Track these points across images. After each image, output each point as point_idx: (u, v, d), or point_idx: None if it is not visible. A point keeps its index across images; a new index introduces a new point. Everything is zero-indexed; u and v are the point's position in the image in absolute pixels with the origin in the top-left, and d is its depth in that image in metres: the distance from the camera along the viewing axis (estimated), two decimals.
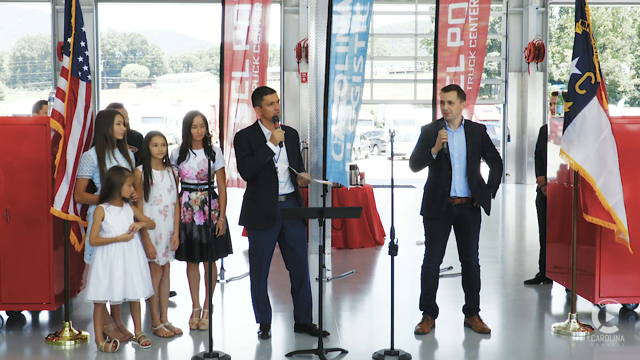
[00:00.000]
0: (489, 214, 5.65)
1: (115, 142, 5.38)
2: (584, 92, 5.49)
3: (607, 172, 5.45)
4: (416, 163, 5.60)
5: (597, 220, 5.55)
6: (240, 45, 7.54)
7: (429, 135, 5.54)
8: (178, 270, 6.21)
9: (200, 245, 5.55)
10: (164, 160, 5.50)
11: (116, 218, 5.13)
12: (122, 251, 5.14)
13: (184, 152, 5.56)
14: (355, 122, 6.85)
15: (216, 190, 5.74)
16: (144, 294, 5.26)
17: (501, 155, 18.92)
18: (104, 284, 5.10)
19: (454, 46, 7.81)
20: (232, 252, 5.81)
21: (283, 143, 5.36)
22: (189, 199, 5.56)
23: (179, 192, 5.61)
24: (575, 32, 5.57)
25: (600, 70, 5.51)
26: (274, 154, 5.33)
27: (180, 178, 5.60)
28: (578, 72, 5.52)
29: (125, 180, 5.14)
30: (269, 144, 5.31)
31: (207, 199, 5.44)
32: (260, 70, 7.67)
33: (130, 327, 5.53)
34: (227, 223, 5.71)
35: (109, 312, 5.48)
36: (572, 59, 5.58)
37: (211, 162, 5.36)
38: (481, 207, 5.63)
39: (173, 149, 5.66)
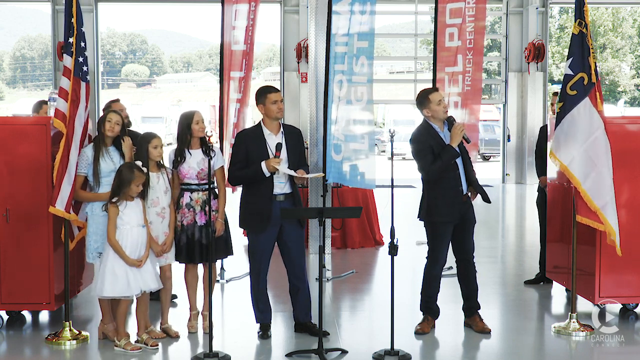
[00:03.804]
0: (490, 202, 5.67)
1: (110, 140, 5.39)
2: (574, 93, 5.50)
3: (596, 173, 5.44)
4: (440, 168, 5.39)
5: (586, 220, 5.56)
6: (239, 45, 7.55)
7: (429, 140, 5.47)
8: (178, 272, 6.20)
9: (201, 246, 5.53)
10: (159, 162, 5.50)
11: (129, 211, 5.17)
12: (133, 245, 5.17)
13: (181, 152, 5.52)
14: (362, 122, 6.80)
15: (216, 190, 5.73)
16: (155, 285, 5.31)
17: (501, 155, 19.02)
18: (121, 280, 5.12)
19: (451, 46, 7.80)
20: (232, 254, 5.80)
21: (283, 145, 5.35)
22: (191, 199, 5.54)
23: (178, 193, 5.59)
24: (572, 33, 5.58)
25: (596, 70, 5.51)
26: (265, 177, 5.30)
27: (179, 179, 5.57)
28: (571, 72, 5.53)
29: (135, 178, 5.15)
30: (264, 167, 5.26)
31: (208, 199, 5.43)
32: (247, 69, 7.68)
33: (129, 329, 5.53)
34: (227, 223, 5.70)
35: (110, 312, 5.47)
36: (567, 59, 5.59)
37: (210, 160, 5.37)
38: (472, 203, 5.64)
39: (169, 151, 5.62)
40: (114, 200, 5.15)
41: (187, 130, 5.52)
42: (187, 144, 5.54)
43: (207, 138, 5.48)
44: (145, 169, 5.25)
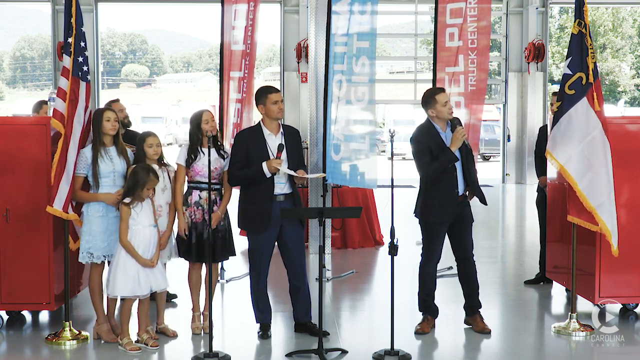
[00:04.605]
0: (487, 204, 5.66)
1: (109, 139, 5.38)
2: (572, 93, 5.51)
3: (592, 173, 5.44)
4: (436, 170, 5.41)
5: (577, 220, 5.57)
6: (238, 45, 7.55)
7: (428, 141, 5.47)
8: (179, 272, 6.21)
9: (208, 245, 5.50)
10: (159, 160, 5.49)
11: (142, 213, 5.19)
12: (145, 245, 5.18)
13: (195, 151, 5.52)
14: (362, 122, 6.79)
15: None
16: (165, 285, 5.35)
17: (501, 155, 19.03)
18: (132, 279, 5.14)
19: (452, 46, 7.78)
20: (234, 254, 5.79)
21: (283, 145, 5.34)
22: (200, 197, 5.53)
23: (185, 191, 5.57)
24: (572, 32, 5.58)
25: (595, 70, 5.51)
26: (266, 178, 5.30)
27: (189, 177, 5.55)
28: (569, 72, 5.54)
29: (149, 182, 5.16)
30: (265, 168, 5.27)
31: (215, 199, 5.44)
32: (249, 70, 7.67)
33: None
34: (229, 224, 5.69)
35: (104, 312, 5.47)
36: (566, 59, 5.60)
37: (221, 161, 5.43)
38: (470, 201, 5.64)
39: (181, 149, 5.60)
40: (126, 201, 5.16)
41: (198, 130, 5.53)
42: (199, 143, 5.54)
43: (212, 137, 5.48)
44: (158, 175, 5.27)
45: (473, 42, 7.70)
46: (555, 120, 5.61)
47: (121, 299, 5.28)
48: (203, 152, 5.49)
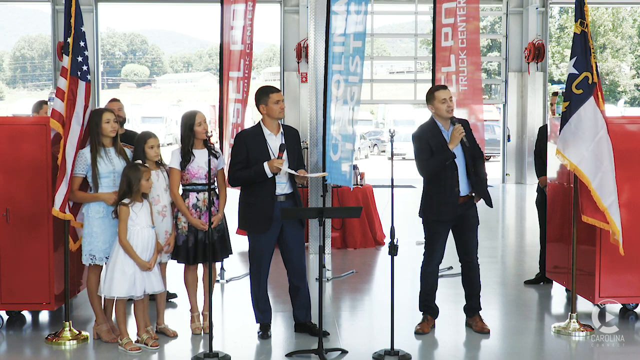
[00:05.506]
0: (492, 206, 5.66)
1: (109, 140, 5.37)
2: (580, 92, 5.50)
3: (602, 172, 5.44)
4: (432, 167, 5.43)
5: (592, 220, 5.55)
6: (236, 45, 7.54)
7: (428, 138, 5.48)
8: (178, 272, 6.20)
9: (205, 246, 5.50)
10: (157, 161, 5.49)
11: (140, 213, 5.18)
12: (143, 245, 5.18)
13: (188, 153, 5.50)
14: (354, 122, 6.81)
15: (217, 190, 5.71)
16: (160, 288, 5.33)
17: (501, 155, 19.04)
18: (129, 280, 5.13)
19: (446, 46, 7.79)
20: (231, 253, 5.79)
21: (284, 144, 5.34)
22: (197, 200, 5.52)
23: (181, 193, 5.56)
24: (574, 32, 5.58)
25: (597, 70, 5.52)
26: (267, 178, 5.30)
27: (185, 179, 5.54)
28: (575, 72, 5.53)
29: (142, 176, 5.16)
30: (266, 168, 5.26)
31: (212, 199, 5.44)
32: (249, 70, 7.66)
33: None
34: (226, 224, 5.70)
35: (103, 312, 5.47)
36: (570, 59, 5.59)
37: (215, 160, 5.40)
38: (476, 203, 5.63)
39: (173, 151, 5.57)
40: (125, 201, 5.15)
41: (190, 132, 5.51)
42: (191, 145, 5.53)
43: (208, 138, 5.47)
44: (146, 165, 5.27)
45: (463, 42, 7.69)
46: (563, 120, 5.57)
47: (109, 300, 5.28)
48: (194, 154, 5.48)
